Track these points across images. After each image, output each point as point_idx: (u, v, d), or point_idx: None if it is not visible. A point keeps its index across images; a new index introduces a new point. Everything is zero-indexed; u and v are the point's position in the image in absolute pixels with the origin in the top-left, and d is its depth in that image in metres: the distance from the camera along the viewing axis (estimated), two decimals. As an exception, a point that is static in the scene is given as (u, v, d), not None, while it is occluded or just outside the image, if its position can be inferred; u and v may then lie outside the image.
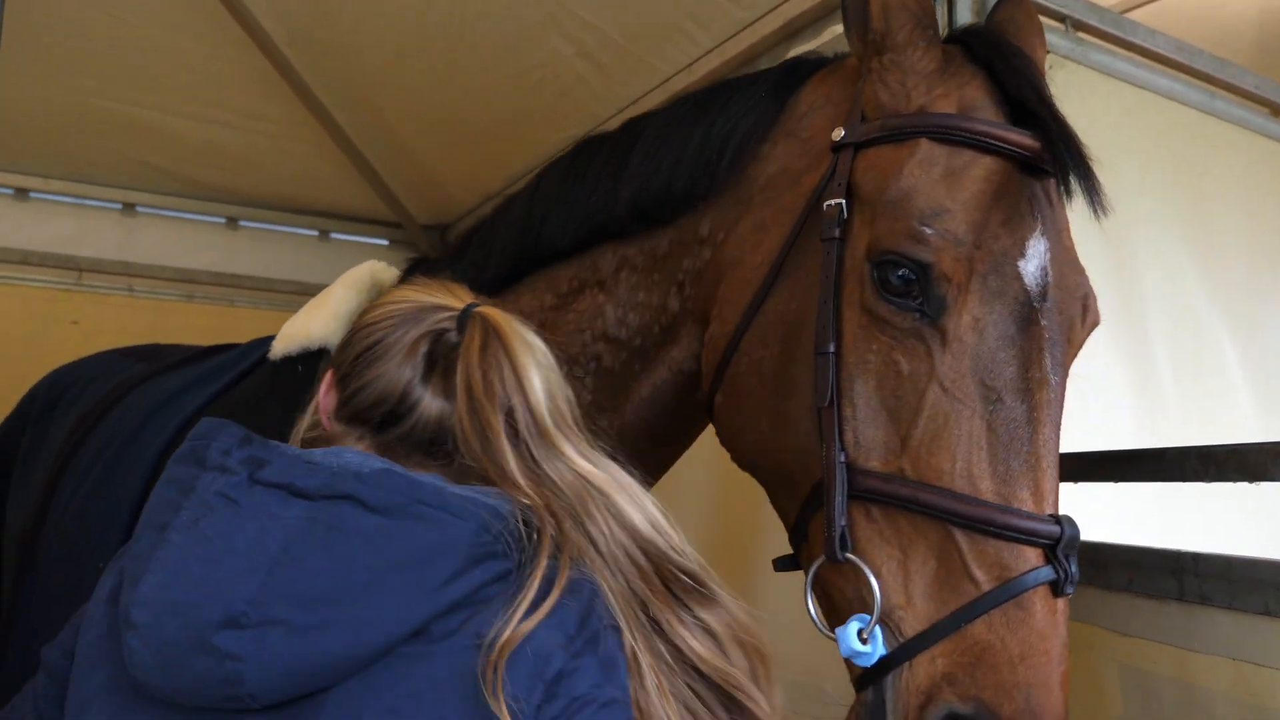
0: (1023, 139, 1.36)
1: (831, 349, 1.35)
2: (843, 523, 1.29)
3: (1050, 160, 1.37)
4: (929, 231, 1.31)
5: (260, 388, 2.06)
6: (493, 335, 1.20)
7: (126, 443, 2.12)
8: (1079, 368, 1.40)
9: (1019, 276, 1.31)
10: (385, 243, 4.87)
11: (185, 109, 3.81)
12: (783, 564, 1.52)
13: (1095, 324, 1.41)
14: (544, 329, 1.72)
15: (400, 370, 1.19)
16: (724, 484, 3.12)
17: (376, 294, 2.10)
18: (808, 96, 1.63)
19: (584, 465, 1.18)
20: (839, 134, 1.47)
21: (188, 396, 2.16)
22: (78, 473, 2.16)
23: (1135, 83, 2.51)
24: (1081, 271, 1.40)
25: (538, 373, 1.20)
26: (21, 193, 4.25)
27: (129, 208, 4.43)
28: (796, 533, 1.43)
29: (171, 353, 2.60)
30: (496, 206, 1.97)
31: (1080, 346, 1.40)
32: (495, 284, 1.83)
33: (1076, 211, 1.41)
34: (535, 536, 1.10)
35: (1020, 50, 1.45)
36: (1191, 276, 2.52)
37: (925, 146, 1.38)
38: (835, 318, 1.37)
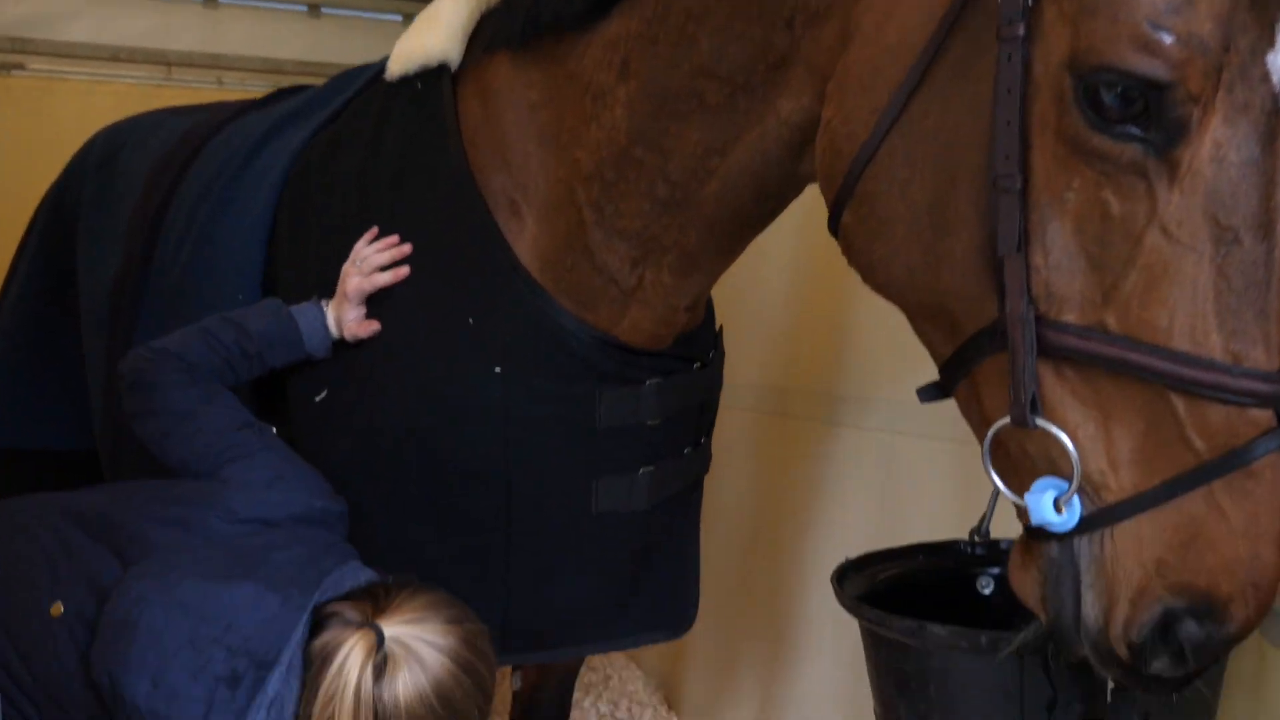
0: None
1: (1018, 186, 1.10)
2: (1033, 387, 1.11)
3: None
4: (1167, 39, 0.99)
5: (372, 112, 1.95)
6: None
7: (233, 180, 2.05)
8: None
9: (1267, 77, 1.01)
10: (470, 24, 4.78)
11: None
12: (928, 394, 1.34)
13: None
14: (629, 60, 1.61)
15: None
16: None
17: (490, -1, 1.99)
18: None
19: None
20: None
21: (292, 128, 2.07)
22: (180, 219, 2.09)
23: None
24: None
25: None
26: (107, -10, 4.22)
27: (212, 1, 4.40)
28: (954, 370, 1.26)
29: (233, 104, 2.50)
30: None
31: None
32: (587, 12, 1.66)
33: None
34: None
35: None
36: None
37: None
38: (1022, 145, 1.10)
